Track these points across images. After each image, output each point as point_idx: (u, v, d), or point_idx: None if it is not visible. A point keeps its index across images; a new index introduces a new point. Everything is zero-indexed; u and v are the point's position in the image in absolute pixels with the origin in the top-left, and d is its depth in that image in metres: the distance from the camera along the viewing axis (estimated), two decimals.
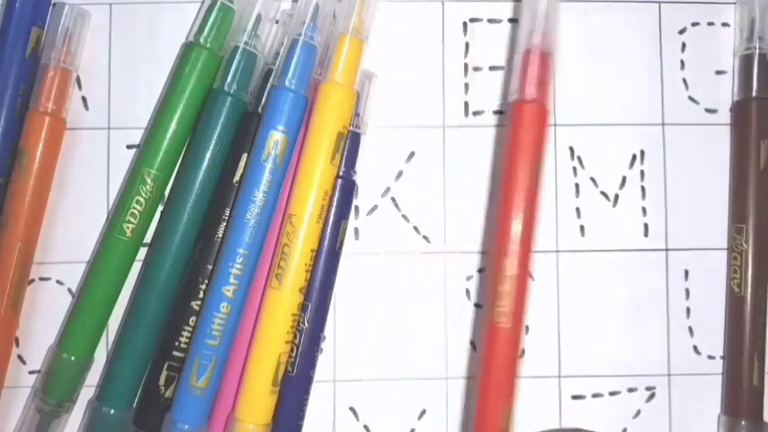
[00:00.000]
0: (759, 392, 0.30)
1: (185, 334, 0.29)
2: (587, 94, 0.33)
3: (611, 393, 0.32)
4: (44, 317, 0.31)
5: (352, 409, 0.31)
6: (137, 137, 0.32)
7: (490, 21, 0.33)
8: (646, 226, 0.32)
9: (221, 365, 0.28)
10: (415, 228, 0.32)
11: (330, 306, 0.30)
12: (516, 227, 0.27)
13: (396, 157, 0.32)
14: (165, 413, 0.29)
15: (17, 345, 0.31)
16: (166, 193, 0.30)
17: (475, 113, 0.32)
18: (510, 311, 0.27)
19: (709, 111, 0.33)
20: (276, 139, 0.28)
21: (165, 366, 0.29)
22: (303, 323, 0.29)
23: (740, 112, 0.32)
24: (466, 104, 0.32)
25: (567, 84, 0.32)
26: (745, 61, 0.32)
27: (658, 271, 0.32)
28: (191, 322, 0.29)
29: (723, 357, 0.32)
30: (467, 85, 0.33)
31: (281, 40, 0.30)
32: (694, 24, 0.33)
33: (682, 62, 0.33)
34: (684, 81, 0.33)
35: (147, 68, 0.32)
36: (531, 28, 0.28)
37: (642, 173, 0.32)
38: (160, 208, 0.31)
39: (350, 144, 0.30)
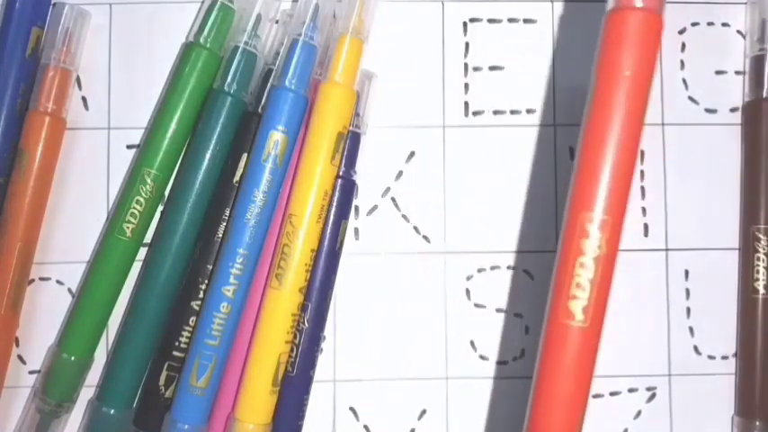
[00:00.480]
0: None
1: (185, 334, 0.29)
2: (587, 93, 0.32)
3: (612, 394, 0.32)
4: (44, 317, 0.31)
5: (352, 409, 0.31)
6: (137, 137, 0.32)
7: (490, 21, 0.33)
8: (646, 226, 0.32)
9: (221, 365, 0.28)
10: (415, 228, 0.32)
11: (330, 306, 0.30)
12: (609, 183, 0.20)
13: (396, 157, 0.32)
14: (165, 413, 0.29)
15: (17, 345, 0.31)
16: (166, 193, 0.30)
17: (475, 113, 0.32)
18: (590, 305, 0.21)
19: (709, 111, 0.33)
20: (276, 139, 0.28)
21: (165, 366, 0.29)
22: (303, 323, 0.29)
23: (751, 112, 0.32)
24: (466, 104, 0.32)
25: (566, 83, 0.32)
26: (757, 62, 0.32)
27: (658, 271, 0.32)
28: (191, 322, 0.29)
29: (735, 357, 0.32)
30: (467, 85, 0.33)
31: (281, 40, 0.31)
32: (694, 24, 0.33)
33: (682, 62, 0.33)
34: (684, 81, 0.33)
35: (147, 68, 0.32)
36: None
37: (642, 173, 0.32)
38: (160, 208, 0.31)
39: (350, 144, 0.30)
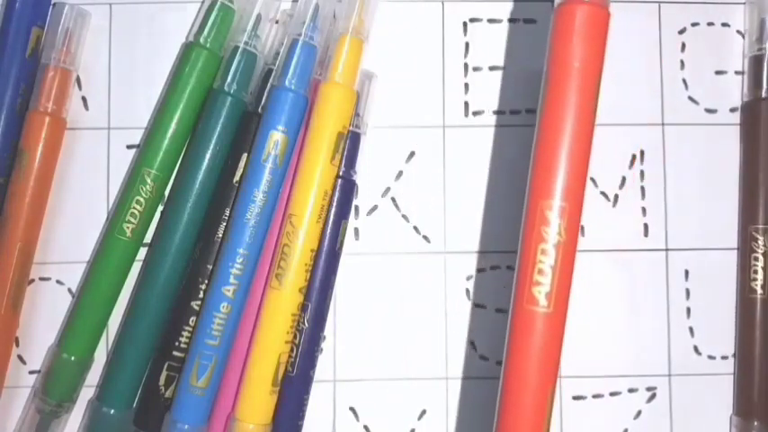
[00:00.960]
0: None
1: (185, 334, 0.29)
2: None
3: (612, 394, 0.32)
4: (44, 317, 0.31)
5: (352, 409, 0.31)
6: (137, 137, 0.32)
7: (490, 21, 0.33)
8: (646, 226, 0.32)
9: (221, 365, 0.28)
10: (415, 228, 0.32)
11: (330, 306, 0.30)
12: (565, 171, 0.20)
13: (396, 157, 0.32)
14: (165, 413, 0.29)
15: (17, 345, 0.31)
16: (166, 193, 0.30)
17: (475, 113, 0.32)
18: (552, 291, 0.21)
19: (708, 111, 0.33)
20: (276, 139, 0.28)
21: (165, 366, 0.29)
22: (303, 323, 0.29)
23: (750, 112, 0.32)
24: (466, 104, 0.32)
25: None
26: (755, 62, 0.32)
27: (658, 271, 0.32)
28: (191, 322, 0.29)
29: (734, 357, 0.32)
30: (467, 85, 0.33)
31: (281, 40, 0.31)
32: (694, 24, 0.33)
33: (681, 62, 0.33)
34: (684, 81, 0.33)
35: (147, 68, 0.32)
36: None
37: (642, 173, 0.32)
38: (160, 208, 0.31)
39: (350, 144, 0.30)
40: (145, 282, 0.30)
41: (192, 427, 0.28)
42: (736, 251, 0.32)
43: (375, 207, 0.32)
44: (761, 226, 0.31)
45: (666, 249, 0.32)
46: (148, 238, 0.30)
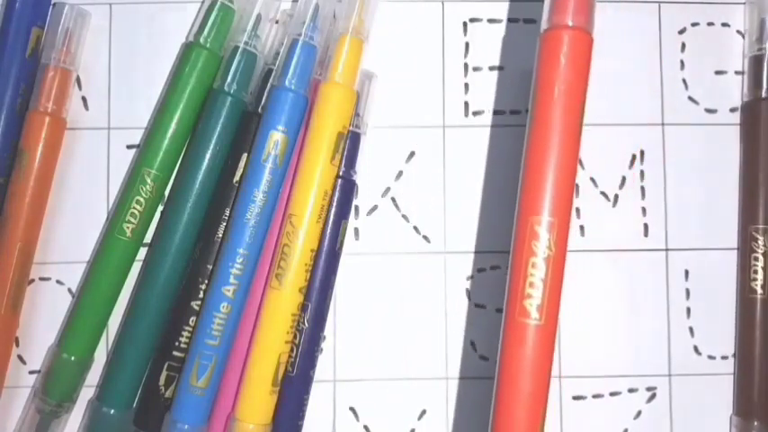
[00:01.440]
0: None
1: (185, 334, 0.29)
2: (587, 93, 0.32)
3: (612, 394, 0.32)
4: (44, 317, 0.31)
5: (352, 409, 0.31)
6: (137, 137, 0.32)
7: (490, 21, 0.33)
8: (646, 226, 0.32)
9: (221, 365, 0.28)
10: (415, 228, 0.32)
11: (330, 306, 0.30)
12: (552, 188, 0.21)
13: (396, 157, 0.32)
14: (165, 413, 0.29)
15: (17, 345, 0.31)
16: (166, 193, 0.30)
17: (475, 113, 0.32)
18: (543, 303, 0.22)
19: (708, 111, 0.33)
20: (276, 139, 0.28)
21: (165, 366, 0.29)
22: (303, 323, 0.29)
23: (750, 113, 0.32)
24: (466, 104, 0.32)
25: None
26: (755, 62, 0.32)
27: (658, 271, 0.32)
28: (191, 322, 0.29)
29: (734, 357, 0.32)
30: (467, 85, 0.33)
31: (281, 40, 0.31)
32: (694, 24, 0.33)
33: (681, 62, 0.33)
34: (684, 81, 0.33)
35: (147, 68, 0.32)
36: None
37: (642, 173, 0.32)
38: (160, 208, 0.31)
39: (350, 144, 0.30)
40: (145, 282, 0.30)
41: (192, 427, 0.28)
42: (736, 251, 0.32)
43: (375, 207, 0.32)
44: (761, 226, 0.31)
45: (666, 249, 0.32)
46: (148, 238, 0.30)
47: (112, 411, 0.29)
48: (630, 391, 0.32)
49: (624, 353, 0.32)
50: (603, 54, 0.33)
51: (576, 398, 0.32)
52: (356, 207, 0.32)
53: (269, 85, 0.30)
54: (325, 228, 0.29)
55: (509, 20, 0.33)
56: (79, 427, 0.31)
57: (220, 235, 0.29)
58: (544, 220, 0.22)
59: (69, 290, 0.31)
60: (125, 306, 0.30)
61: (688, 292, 0.32)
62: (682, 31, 0.33)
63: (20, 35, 0.30)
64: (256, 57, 0.30)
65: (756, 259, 0.31)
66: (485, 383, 0.32)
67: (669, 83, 0.33)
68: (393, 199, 0.32)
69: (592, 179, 0.32)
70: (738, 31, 0.33)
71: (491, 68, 0.33)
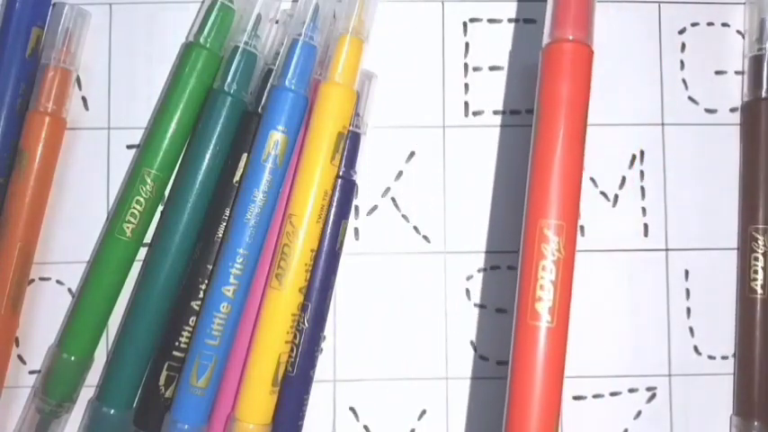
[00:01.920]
0: None
1: (185, 334, 0.29)
2: (589, 102, 0.32)
3: (612, 394, 0.32)
4: (44, 317, 0.31)
5: (352, 409, 0.31)
6: (137, 137, 0.32)
7: (490, 21, 0.33)
8: (646, 226, 0.32)
9: (221, 365, 0.28)
10: (415, 228, 0.32)
11: (330, 306, 0.30)
12: (559, 192, 0.22)
13: (396, 157, 0.32)
14: (165, 413, 0.29)
15: (17, 345, 0.31)
16: (166, 193, 0.30)
17: (475, 113, 0.32)
18: (555, 305, 0.22)
19: (708, 111, 0.33)
20: (276, 139, 0.28)
21: (165, 366, 0.29)
22: (303, 323, 0.29)
23: (750, 112, 0.32)
24: (466, 104, 0.32)
25: None
26: (755, 62, 0.32)
27: (658, 271, 0.32)
28: (191, 322, 0.29)
29: (734, 357, 0.32)
30: (467, 85, 0.33)
31: (281, 40, 0.31)
32: (694, 24, 0.33)
33: (681, 62, 0.33)
34: (684, 81, 0.33)
35: (147, 68, 0.32)
36: None
37: (642, 173, 0.32)
38: (160, 208, 0.31)
39: (350, 144, 0.30)
40: (145, 282, 0.30)
41: (192, 427, 0.28)
42: (736, 251, 0.32)
43: (375, 207, 0.32)
44: (761, 226, 0.31)
45: (666, 249, 0.32)
46: (148, 238, 0.30)
47: (112, 411, 0.29)
48: (630, 391, 0.32)
49: (624, 353, 0.32)
50: (604, 54, 0.33)
51: (576, 398, 0.32)
52: (356, 207, 0.32)
53: (269, 85, 0.30)
54: (325, 228, 0.29)
55: (509, 20, 0.33)
56: (79, 427, 0.31)
57: (220, 235, 0.29)
58: (552, 223, 0.23)
59: (69, 290, 0.31)
60: (125, 306, 0.30)
61: (688, 292, 0.32)
62: (682, 31, 0.33)
63: (20, 35, 0.30)
64: (256, 57, 0.30)
65: (756, 259, 0.31)
66: (485, 383, 0.32)
67: (669, 83, 0.33)
68: (393, 199, 0.32)
69: (592, 179, 0.32)
70: (738, 31, 0.33)
71: (491, 68, 0.33)
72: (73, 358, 0.29)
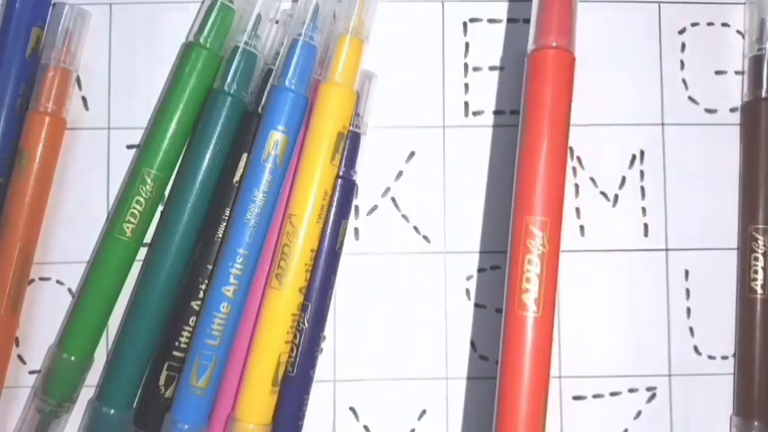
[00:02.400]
0: None
1: (185, 334, 0.29)
2: (587, 93, 0.33)
3: (612, 394, 0.32)
4: (44, 317, 0.31)
5: (352, 409, 0.31)
6: (137, 137, 0.32)
7: (490, 21, 0.33)
8: (646, 226, 0.32)
9: (221, 365, 0.28)
10: (415, 228, 0.32)
11: (330, 306, 0.30)
12: (543, 190, 0.24)
13: (396, 157, 0.32)
14: (165, 413, 0.29)
15: (17, 345, 0.31)
16: (166, 193, 0.30)
17: (475, 113, 0.32)
18: (540, 296, 0.24)
19: (708, 111, 0.33)
20: (276, 139, 0.28)
21: (165, 366, 0.29)
22: (303, 323, 0.29)
23: (750, 113, 0.32)
24: (466, 104, 0.32)
25: None
26: (755, 62, 0.32)
27: (658, 271, 0.32)
28: (191, 322, 0.29)
29: (734, 356, 0.32)
30: (467, 85, 0.33)
31: (281, 40, 0.31)
32: (694, 24, 0.33)
33: (681, 62, 0.33)
34: (684, 81, 0.33)
35: (147, 68, 0.32)
36: None
37: (642, 173, 0.32)
38: (160, 208, 0.31)
39: (350, 144, 0.30)
40: (145, 282, 0.30)
41: (192, 427, 0.28)
42: (736, 251, 0.32)
43: (375, 207, 0.32)
44: (761, 226, 0.31)
45: (666, 249, 0.32)
46: (148, 238, 0.30)
47: (112, 411, 0.29)
48: (630, 391, 0.32)
49: (624, 353, 0.32)
50: (603, 54, 0.33)
51: (576, 398, 0.32)
52: (356, 207, 0.32)
53: (269, 85, 0.30)
54: (326, 228, 0.29)
55: (509, 20, 0.33)
56: (79, 427, 0.31)
57: (220, 235, 0.29)
58: (537, 219, 0.25)
59: (69, 290, 0.31)
60: (125, 306, 0.30)
61: (688, 292, 0.32)
62: (682, 31, 0.33)
63: (20, 35, 0.30)
64: (256, 57, 0.30)
65: (756, 259, 0.31)
66: (485, 383, 0.32)
67: (669, 83, 0.33)
68: (393, 199, 0.32)
69: (592, 179, 0.32)
70: (738, 31, 0.33)
71: (491, 68, 0.33)
72: (73, 358, 0.29)
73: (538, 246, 0.24)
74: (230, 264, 0.28)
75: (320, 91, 0.28)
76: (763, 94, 0.31)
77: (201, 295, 0.29)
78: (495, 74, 0.33)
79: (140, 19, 0.32)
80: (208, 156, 0.29)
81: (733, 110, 0.33)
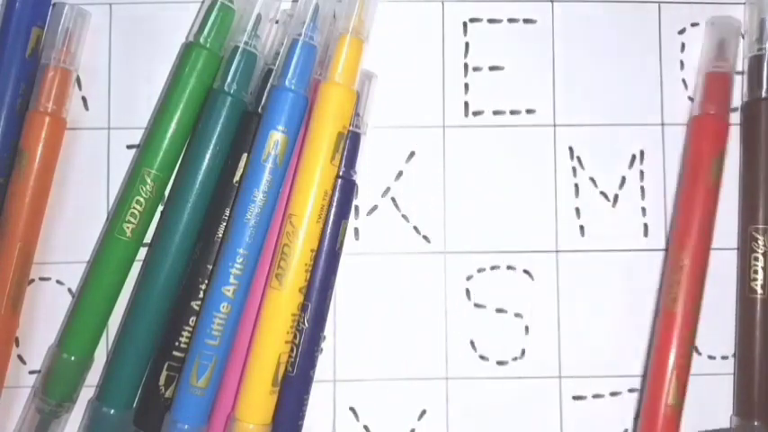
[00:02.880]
0: None
1: (185, 334, 0.29)
2: (587, 94, 0.33)
3: (612, 394, 0.32)
4: (44, 317, 0.31)
5: (352, 409, 0.31)
6: (137, 137, 0.32)
7: (490, 21, 0.33)
8: (645, 226, 0.32)
9: (221, 365, 0.28)
10: (415, 228, 0.32)
11: (330, 306, 0.30)
12: (694, 224, 0.30)
13: (396, 157, 0.32)
14: (165, 413, 0.29)
15: (17, 345, 0.31)
16: (166, 193, 0.30)
17: (475, 113, 0.32)
18: (681, 298, 0.30)
19: None
20: (276, 139, 0.28)
21: (165, 366, 0.29)
22: (303, 323, 0.29)
23: (750, 112, 0.32)
24: (466, 104, 0.32)
25: (566, 84, 0.32)
26: (755, 62, 0.32)
27: (658, 271, 0.32)
28: (191, 322, 0.29)
29: (734, 357, 0.32)
30: (467, 85, 0.33)
31: (281, 40, 0.31)
32: (694, 25, 0.33)
33: (681, 62, 0.33)
34: (684, 81, 0.33)
35: (148, 68, 0.32)
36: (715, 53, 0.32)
37: (642, 173, 0.32)
38: (160, 208, 0.31)
39: (350, 144, 0.30)
40: (145, 282, 0.30)
41: (192, 427, 0.28)
42: (735, 251, 0.32)
43: (375, 207, 0.32)
44: (761, 226, 0.31)
45: (666, 249, 0.32)
46: (148, 238, 0.30)
47: (112, 411, 0.29)
48: (630, 391, 0.32)
49: (624, 353, 0.32)
50: (603, 54, 0.33)
51: (575, 398, 0.32)
52: (356, 207, 0.32)
53: (269, 85, 0.30)
54: (326, 228, 0.29)
55: (509, 20, 0.33)
56: (79, 427, 0.31)
57: (220, 235, 0.29)
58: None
59: (69, 290, 0.31)
60: (125, 306, 0.30)
61: None
62: (681, 32, 0.33)
63: (20, 35, 0.30)
64: (256, 57, 0.30)
65: (756, 259, 0.31)
66: (485, 383, 0.32)
67: (669, 83, 0.33)
68: (393, 199, 0.32)
69: (592, 179, 0.32)
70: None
71: (491, 68, 0.33)
72: (73, 358, 0.29)
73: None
74: (230, 264, 0.28)
75: (320, 91, 0.28)
76: (764, 94, 0.31)
77: (201, 295, 0.29)
78: (495, 74, 0.33)
79: (140, 19, 0.32)
80: (208, 156, 0.29)
81: (733, 110, 0.33)
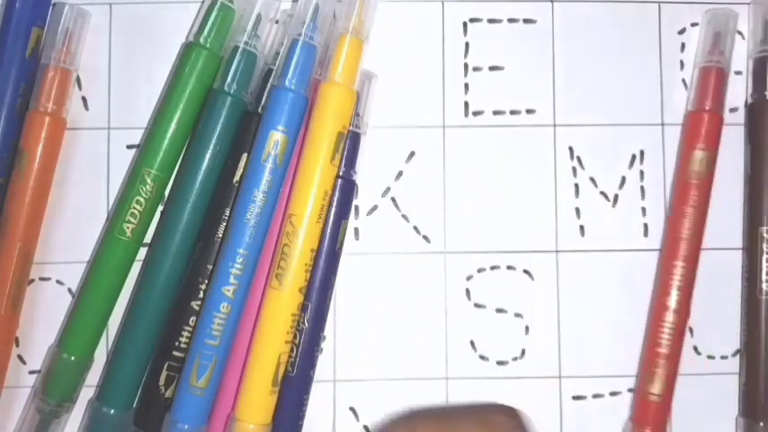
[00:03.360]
0: None
1: (185, 334, 0.29)
2: (587, 94, 0.33)
3: (612, 394, 0.32)
4: (44, 317, 0.31)
5: (352, 409, 0.31)
6: (137, 137, 0.32)
7: (490, 21, 0.33)
8: (645, 226, 0.32)
9: (221, 365, 0.28)
10: (415, 228, 0.32)
11: (330, 306, 0.30)
12: (684, 224, 0.31)
13: (396, 157, 0.32)
14: (165, 413, 0.29)
15: (17, 345, 0.31)
16: (166, 193, 0.30)
17: (475, 113, 0.32)
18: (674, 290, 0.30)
19: None
20: (276, 139, 0.28)
21: (165, 366, 0.29)
22: (303, 323, 0.29)
23: (755, 113, 0.32)
24: (466, 104, 0.32)
25: (566, 84, 0.32)
26: (759, 63, 0.32)
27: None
28: (191, 322, 0.29)
29: (734, 356, 0.32)
30: (467, 85, 0.33)
31: (281, 40, 0.31)
32: (694, 25, 0.33)
33: (681, 62, 0.33)
34: (684, 81, 0.33)
35: (148, 68, 0.32)
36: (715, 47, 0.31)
37: (642, 173, 0.32)
38: (160, 208, 0.31)
39: (350, 144, 0.30)
40: (145, 282, 0.30)
41: (192, 427, 0.28)
42: (737, 251, 0.32)
43: (375, 207, 0.32)
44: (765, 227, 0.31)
45: None
46: (148, 238, 0.30)
47: (112, 411, 0.29)
48: (630, 390, 0.32)
49: (624, 353, 0.32)
50: (603, 54, 0.33)
51: (575, 398, 0.32)
52: (356, 207, 0.32)
53: (269, 85, 0.30)
54: (326, 228, 0.29)
55: (509, 20, 0.33)
56: (79, 427, 0.31)
57: (220, 235, 0.29)
58: (680, 264, 0.31)
59: (69, 290, 0.31)
60: (125, 306, 0.30)
61: None
62: (681, 32, 0.33)
63: (20, 35, 0.30)
64: (256, 57, 0.30)
65: (765, 260, 0.31)
66: (485, 383, 0.32)
67: (669, 83, 0.33)
68: (393, 199, 0.32)
69: (592, 179, 0.32)
70: (739, 32, 0.33)
71: (491, 68, 0.33)
72: (73, 358, 0.29)
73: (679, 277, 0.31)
74: (230, 264, 0.28)
75: (320, 91, 0.28)
76: None
77: (201, 295, 0.29)
78: (495, 74, 0.33)
79: (140, 19, 0.32)
80: (208, 156, 0.29)
81: (733, 110, 0.33)
